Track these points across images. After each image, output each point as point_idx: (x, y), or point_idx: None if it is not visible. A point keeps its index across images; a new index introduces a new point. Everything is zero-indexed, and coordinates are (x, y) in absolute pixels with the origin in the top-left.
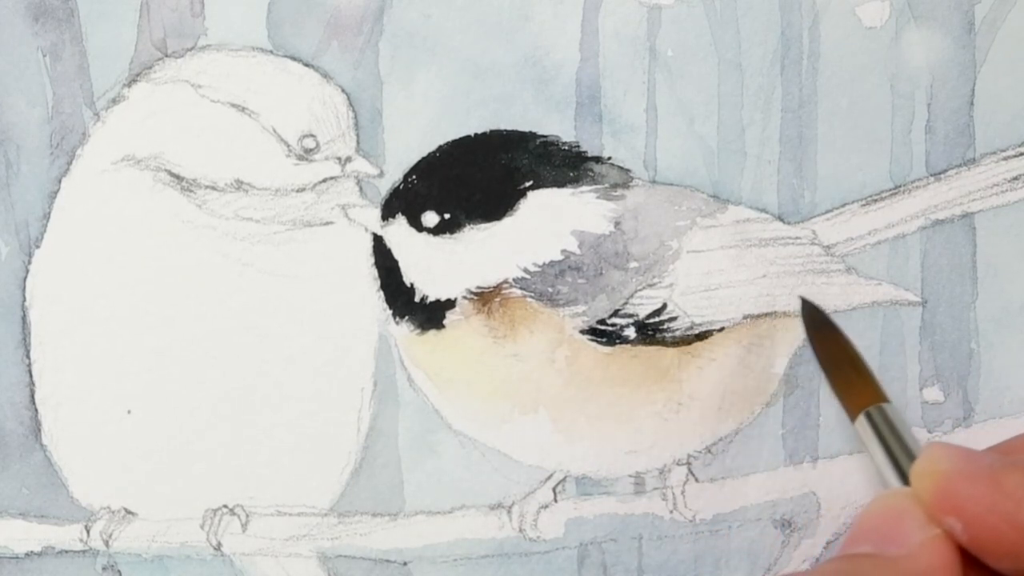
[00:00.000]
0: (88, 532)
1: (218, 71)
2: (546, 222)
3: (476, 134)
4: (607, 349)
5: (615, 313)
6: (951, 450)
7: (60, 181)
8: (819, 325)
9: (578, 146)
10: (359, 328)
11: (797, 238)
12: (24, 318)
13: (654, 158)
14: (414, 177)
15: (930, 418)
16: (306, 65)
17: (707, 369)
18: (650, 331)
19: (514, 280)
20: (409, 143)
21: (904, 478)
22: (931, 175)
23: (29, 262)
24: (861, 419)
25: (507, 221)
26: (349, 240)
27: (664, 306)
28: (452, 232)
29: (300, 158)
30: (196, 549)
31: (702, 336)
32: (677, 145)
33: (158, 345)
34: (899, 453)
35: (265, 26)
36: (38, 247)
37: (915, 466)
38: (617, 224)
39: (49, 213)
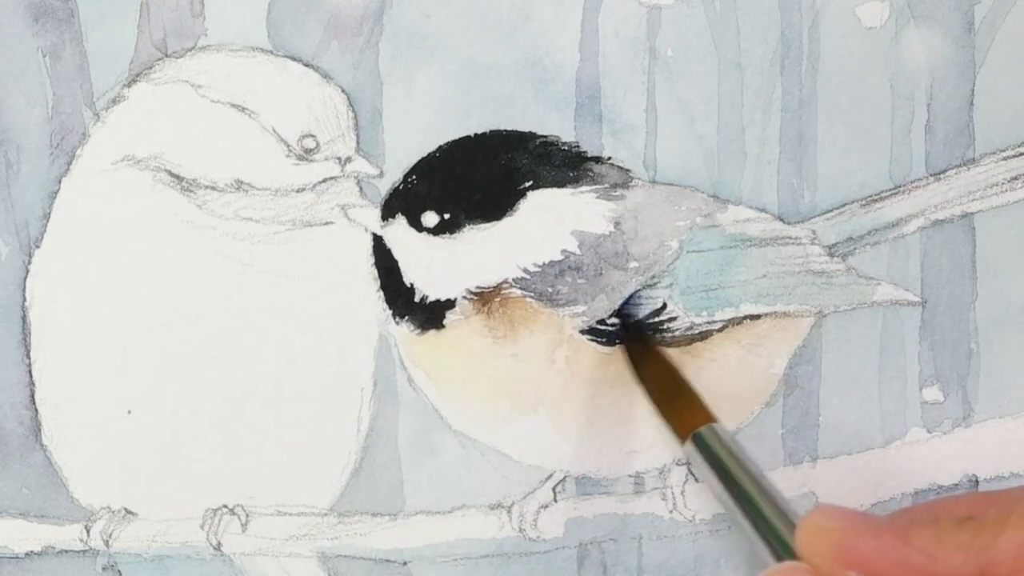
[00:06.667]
0: (88, 532)
1: (218, 71)
2: (546, 222)
3: (476, 134)
4: (607, 349)
5: (615, 313)
6: (842, 509)
7: (60, 181)
8: (639, 347)
9: (578, 146)
10: (359, 328)
11: (797, 238)
12: (24, 318)
13: (654, 158)
14: (414, 177)
15: (930, 418)
16: (306, 65)
17: (707, 369)
18: (650, 331)
19: (514, 280)
20: (409, 143)
21: (743, 499)
22: (931, 175)
23: (29, 262)
24: (689, 442)
25: (507, 221)
26: (349, 240)
27: (664, 306)
28: (452, 232)
29: (300, 158)
30: (196, 549)
31: (702, 336)
32: (677, 145)
33: (158, 345)
34: (735, 472)
35: (265, 26)
36: (38, 247)
37: (804, 523)
38: (617, 224)
39: (49, 213)
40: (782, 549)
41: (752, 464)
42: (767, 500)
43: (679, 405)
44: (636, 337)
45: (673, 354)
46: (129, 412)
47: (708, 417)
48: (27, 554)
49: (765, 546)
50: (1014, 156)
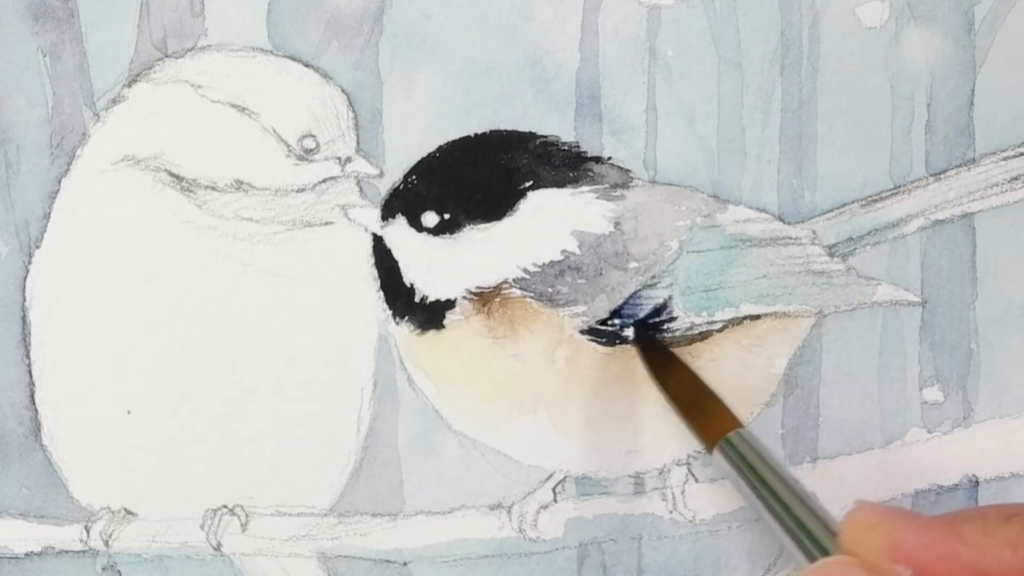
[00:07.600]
0: (88, 532)
1: (218, 71)
2: (546, 222)
3: (476, 134)
4: (607, 349)
5: (615, 313)
6: (887, 506)
7: (60, 181)
8: (659, 358)
9: (578, 146)
10: (359, 328)
11: (797, 238)
12: (24, 318)
13: (654, 158)
14: (414, 177)
15: (930, 418)
16: (306, 65)
17: (707, 369)
18: (650, 331)
19: (514, 280)
20: (409, 143)
21: (776, 503)
22: (931, 175)
23: (29, 262)
24: (717, 450)
25: (507, 221)
26: (349, 240)
27: (664, 306)
28: (452, 232)
29: (300, 158)
30: (196, 549)
31: (702, 336)
32: (677, 145)
33: (158, 345)
34: (767, 476)
35: (265, 26)
36: (38, 247)
37: (851, 518)
38: (617, 224)
39: (49, 213)
40: (819, 551)
41: (782, 467)
42: (800, 503)
43: (704, 412)
44: (652, 344)
45: None
46: (129, 412)
47: (734, 422)
48: (27, 554)
49: (799, 550)
50: (1014, 156)
